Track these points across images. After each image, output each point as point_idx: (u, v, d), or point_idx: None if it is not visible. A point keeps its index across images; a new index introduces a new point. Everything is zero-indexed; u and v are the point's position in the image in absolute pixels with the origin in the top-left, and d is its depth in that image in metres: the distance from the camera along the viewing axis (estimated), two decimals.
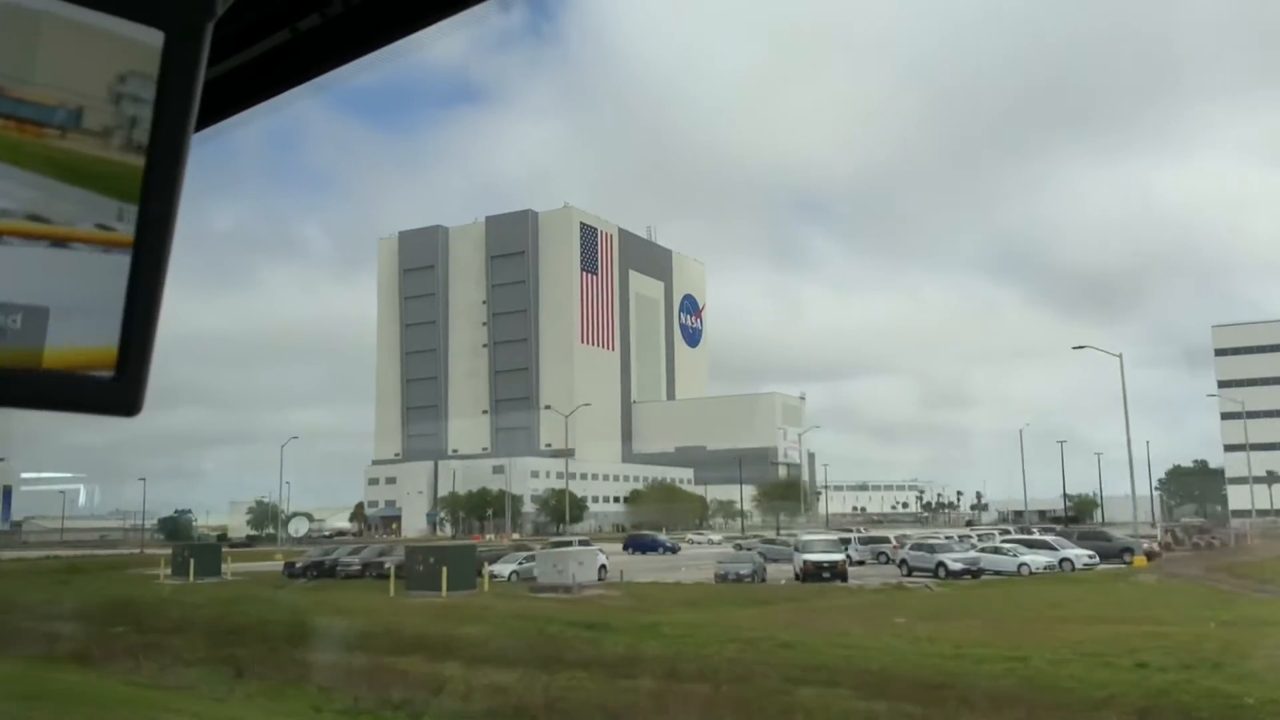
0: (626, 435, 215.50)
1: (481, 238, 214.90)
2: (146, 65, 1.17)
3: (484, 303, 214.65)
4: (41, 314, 1.13)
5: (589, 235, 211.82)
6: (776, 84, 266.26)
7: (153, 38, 1.16)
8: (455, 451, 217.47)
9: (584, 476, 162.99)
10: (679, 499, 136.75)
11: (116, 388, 1.19)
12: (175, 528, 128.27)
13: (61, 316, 1.14)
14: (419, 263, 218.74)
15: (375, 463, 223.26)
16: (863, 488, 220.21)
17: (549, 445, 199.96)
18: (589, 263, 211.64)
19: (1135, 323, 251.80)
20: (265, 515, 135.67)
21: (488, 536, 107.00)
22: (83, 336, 1.16)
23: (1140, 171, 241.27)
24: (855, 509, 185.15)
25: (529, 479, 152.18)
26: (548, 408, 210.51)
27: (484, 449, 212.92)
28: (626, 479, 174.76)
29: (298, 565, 58.21)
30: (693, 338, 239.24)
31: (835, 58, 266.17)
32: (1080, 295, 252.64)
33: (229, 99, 1.92)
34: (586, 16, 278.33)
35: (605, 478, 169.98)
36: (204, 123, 1.49)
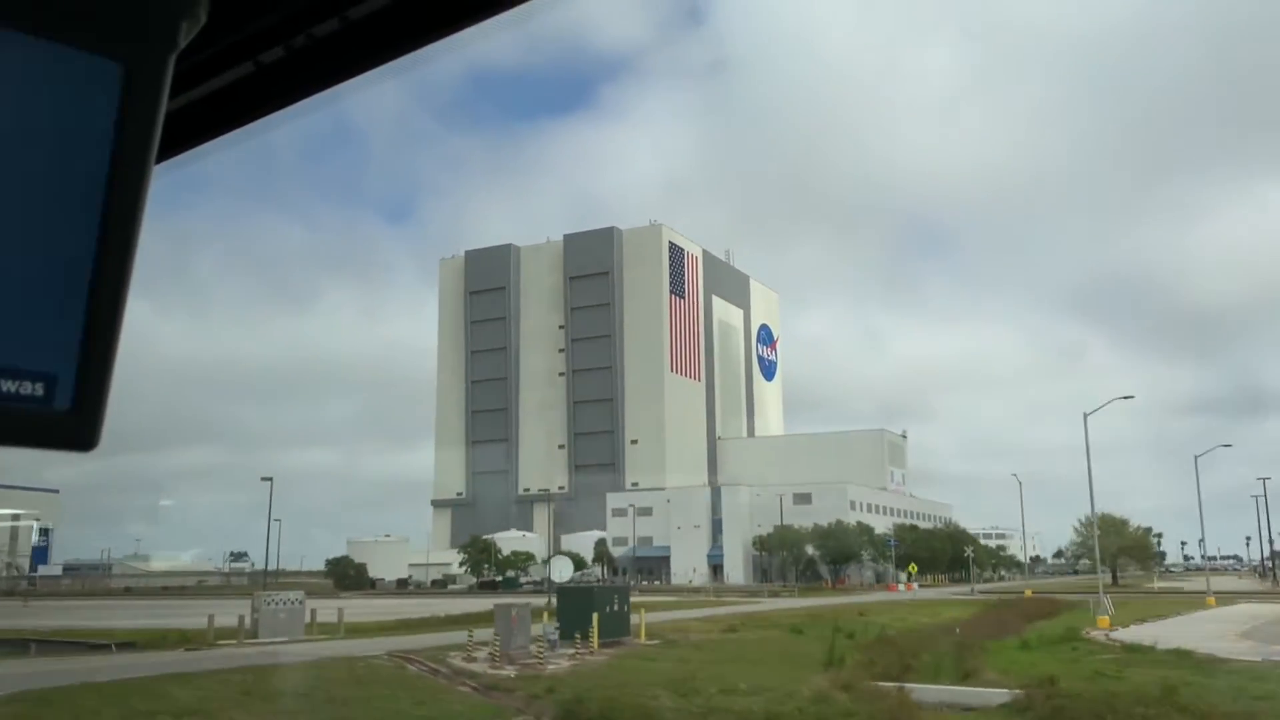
0: (711, 472, 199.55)
1: (558, 257, 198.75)
2: (106, 97, 1.13)
3: (561, 327, 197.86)
4: None
5: (676, 256, 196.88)
6: (882, 104, 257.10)
7: (112, 70, 1.14)
8: (527, 490, 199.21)
9: (872, 509, 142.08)
10: (1125, 537, 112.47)
11: (73, 422, 1.13)
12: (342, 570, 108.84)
13: (17, 347, 1.10)
14: (487, 284, 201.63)
15: (434, 503, 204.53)
16: None
17: (635, 484, 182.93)
18: (676, 285, 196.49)
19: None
20: (485, 556, 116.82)
21: (902, 586, 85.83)
22: (39, 369, 1.11)
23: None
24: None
25: (847, 511, 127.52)
26: (634, 442, 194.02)
27: (560, 487, 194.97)
28: (894, 512, 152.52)
29: None
30: (769, 370, 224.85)
31: (957, 80, 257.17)
32: (1185, 335, 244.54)
33: (191, 131, 1.90)
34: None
35: (877, 509, 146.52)
36: (165, 154, 1.46)
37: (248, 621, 42.68)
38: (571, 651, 29.94)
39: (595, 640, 30.80)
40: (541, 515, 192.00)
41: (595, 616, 31.73)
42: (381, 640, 39.19)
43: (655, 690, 22.30)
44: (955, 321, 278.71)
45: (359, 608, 48.55)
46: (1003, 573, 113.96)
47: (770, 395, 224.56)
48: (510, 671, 26.39)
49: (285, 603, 41.48)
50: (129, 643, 44.31)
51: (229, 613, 65.95)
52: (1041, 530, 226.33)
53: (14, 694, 22.11)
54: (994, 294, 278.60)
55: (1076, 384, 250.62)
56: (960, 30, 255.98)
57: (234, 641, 38.51)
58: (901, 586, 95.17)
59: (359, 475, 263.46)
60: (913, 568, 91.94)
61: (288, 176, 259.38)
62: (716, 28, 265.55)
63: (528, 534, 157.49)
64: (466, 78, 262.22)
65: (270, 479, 66.07)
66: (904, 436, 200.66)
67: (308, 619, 43.05)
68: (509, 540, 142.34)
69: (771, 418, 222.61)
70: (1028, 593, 75.06)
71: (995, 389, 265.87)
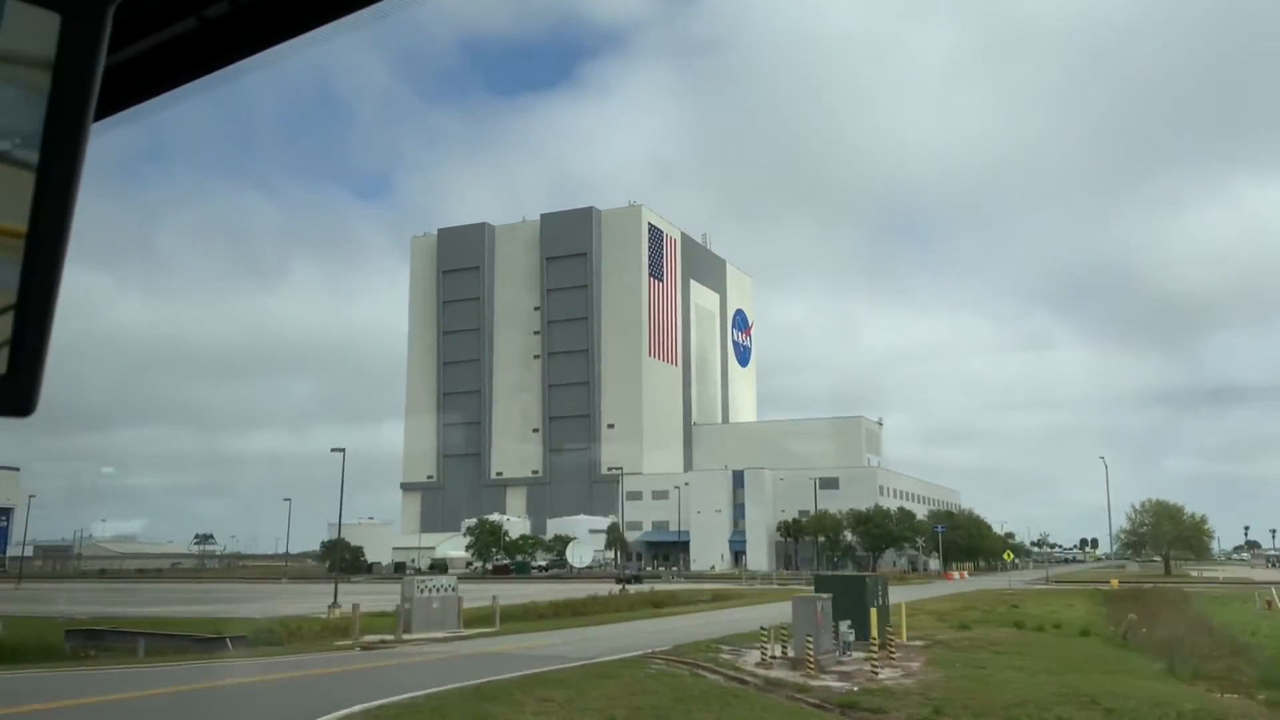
0: (687, 458, 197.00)
1: (534, 237, 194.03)
2: (42, 49, 1.09)
3: (536, 309, 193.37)
4: None
5: (655, 238, 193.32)
6: (875, 88, 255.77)
7: (49, 21, 1.09)
8: (499, 474, 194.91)
9: (898, 495, 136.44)
10: (1180, 525, 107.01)
11: (10, 387, 1.10)
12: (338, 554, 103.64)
13: None
14: (461, 263, 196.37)
15: (404, 485, 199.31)
16: None
17: (611, 469, 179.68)
18: (655, 268, 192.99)
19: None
20: (490, 539, 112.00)
21: (962, 573, 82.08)
22: None
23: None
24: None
25: (878, 496, 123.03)
26: (611, 426, 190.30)
27: (534, 471, 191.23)
28: (913, 498, 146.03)
29: None
30: (743, 356, 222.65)
31: (942, 70, 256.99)
32: (1153, 326, 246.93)
33: (133, 87, 1.82)
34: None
35: (903, 495, 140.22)
36: (106, 111, 1.43)
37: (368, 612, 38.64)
38: (862, 655, 26.53)
39: (880, 640, 27.25)
40: (514, 499, 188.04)
41: (874, 612, 28.21)
42: (552, 636, 35.34)
43: (1081, 715, 19.13)
44: (927, 309, 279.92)
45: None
46: (1016, 561, 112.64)
47: (744, 381, 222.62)
48: (841, 683, 22.98)
49: (439, 591, 37.01)
50: (239, 637, 39.97)
51: (231, 598, 60.94)
52: (1008, 518, 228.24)
53: (363, 713, 18.00)
54: (967, 282, 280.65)
55: (1042, 372, 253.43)
56: (946, 21, 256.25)
57: (392, 637, 34.30)
58: (956, 575, 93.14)
59: (323, 456, 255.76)
60: (1008, 555, 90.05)
61: (253, 146, 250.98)
62: (708, 6, 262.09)
63: (513, 518, 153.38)
64: (446, 49, 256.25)
65: (342, 450, 61.33)
66: (880, 423, 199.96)
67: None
68: (513, 524, 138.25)
69: (744, 403, 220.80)
70: (1114, 583, 73.61)
71: (962, 376, 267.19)
